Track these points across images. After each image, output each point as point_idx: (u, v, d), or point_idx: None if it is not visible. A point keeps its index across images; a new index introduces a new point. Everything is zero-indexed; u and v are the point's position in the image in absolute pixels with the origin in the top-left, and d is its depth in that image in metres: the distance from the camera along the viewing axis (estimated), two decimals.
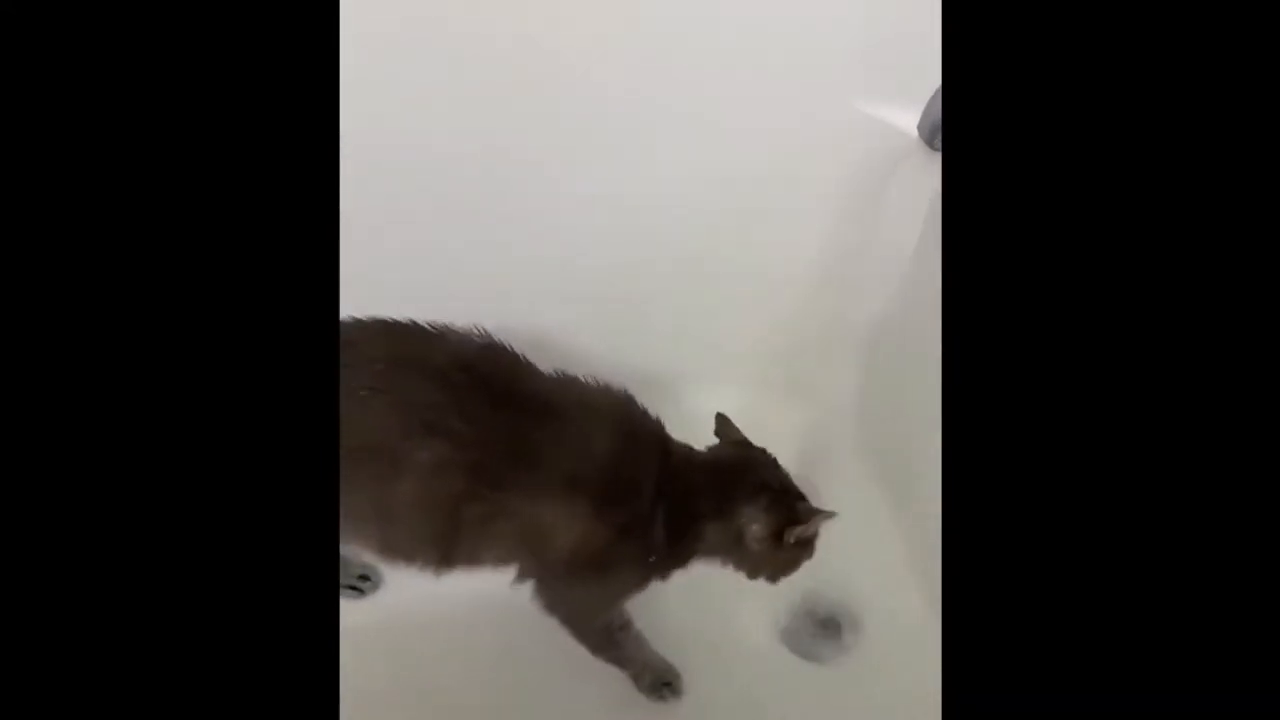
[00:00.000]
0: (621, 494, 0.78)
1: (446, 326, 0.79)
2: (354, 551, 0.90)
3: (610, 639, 0.88)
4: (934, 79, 1.01)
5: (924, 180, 1.09)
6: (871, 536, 1.06)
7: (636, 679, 0.90)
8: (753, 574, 0.83)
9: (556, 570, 0.81)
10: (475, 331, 0.80)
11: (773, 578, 0.84)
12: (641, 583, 0.84)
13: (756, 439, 0.83)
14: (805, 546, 0.82)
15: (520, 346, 0.80)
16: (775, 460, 0.82)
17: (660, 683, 0.91)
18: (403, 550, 0.81)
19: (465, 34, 1.03)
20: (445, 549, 0.79)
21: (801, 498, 0.80)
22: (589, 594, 0.84)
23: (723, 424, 0.87)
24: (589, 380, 0.82)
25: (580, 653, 0.85)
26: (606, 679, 0.88)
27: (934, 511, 1.04)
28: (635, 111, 1.09)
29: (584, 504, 0.77)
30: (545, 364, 0.80)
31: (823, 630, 0.99)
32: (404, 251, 1.05)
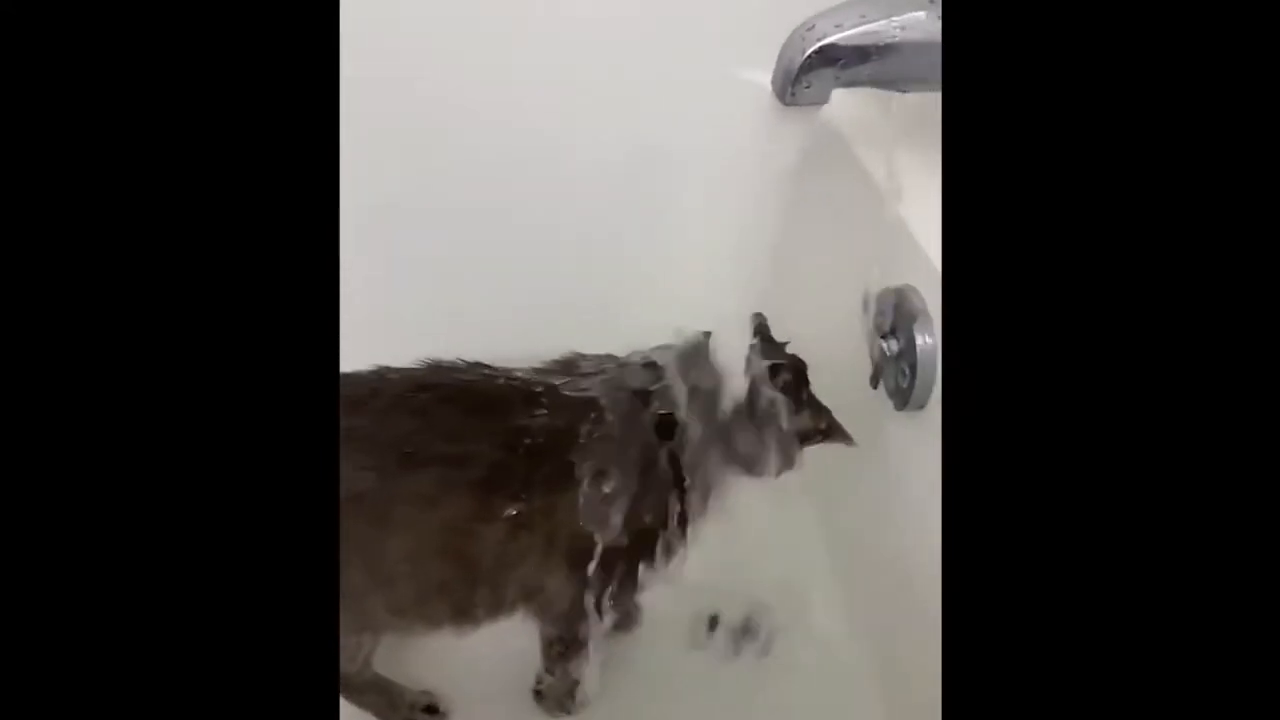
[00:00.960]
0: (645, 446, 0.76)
1: (383, 366, 0.75)
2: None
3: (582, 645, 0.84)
4: (782, 30, 0.99)
5: (785, 136, 1.07)
6: (786, 533, 1.06)
7: (545, 693, 0.87)
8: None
9: (612, 563, 0.76)
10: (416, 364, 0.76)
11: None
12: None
13: None
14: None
15: None
16: None
17: (565, 694, 0.88)
18: (413, 612, 0.75)
19: None
20: (458, 596, 0.74)
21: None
22: (644, 567, 0.80)
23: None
24: (537, 364, 0.79)
25: None
26: None
27: (853, 503, 1.04)
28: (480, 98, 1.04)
29: (625, 477, 0.74)
30: None
31: (736, 633, 0.99)
32: None
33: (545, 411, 0.75)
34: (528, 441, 0.72)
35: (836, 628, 1.00)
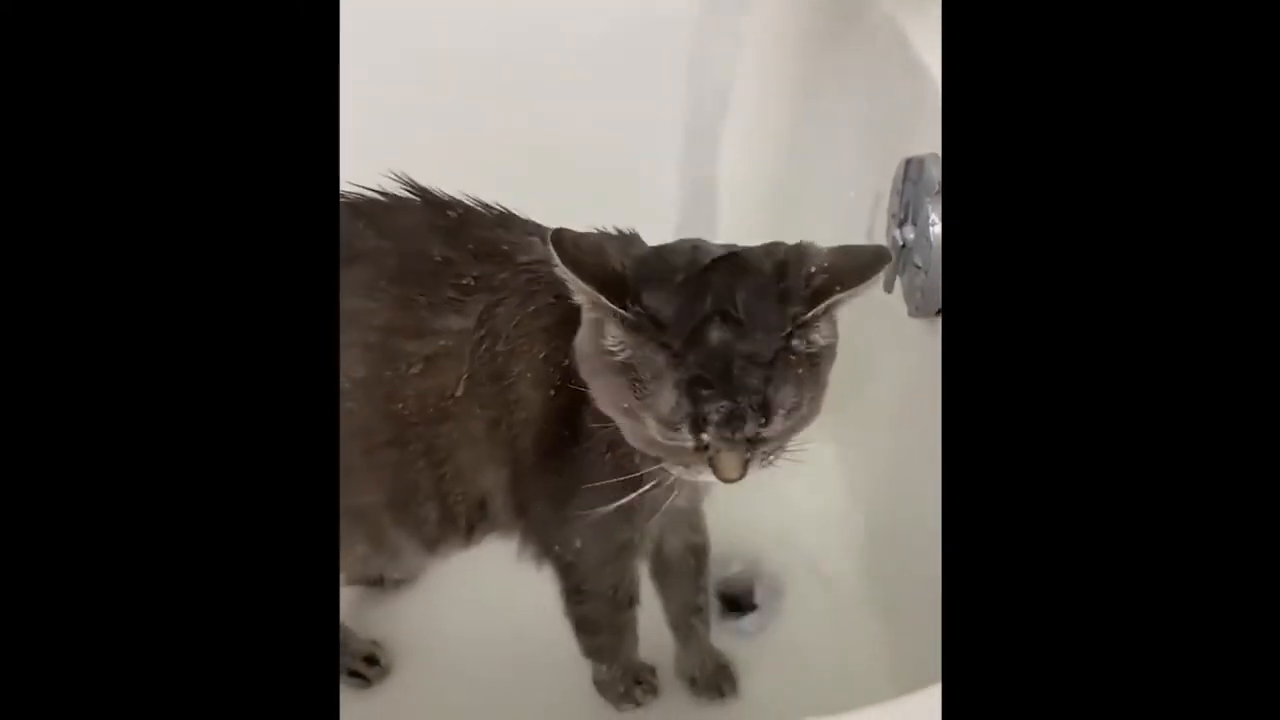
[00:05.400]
0: None
1: None
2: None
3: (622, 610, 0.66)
4: None
5: None
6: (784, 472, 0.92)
7: (608, 685, 0.73)
8: None
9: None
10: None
11: None
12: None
13: None
14: None
15: None
16: None
17: (622, 680, 0.74)
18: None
19: None
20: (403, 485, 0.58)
21: None
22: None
23: None
24: None
25: None
26: None
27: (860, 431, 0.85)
28: None
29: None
30: None
31: (734, 603, 0.84)
32: None
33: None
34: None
35: (845, 572, 0.85)
